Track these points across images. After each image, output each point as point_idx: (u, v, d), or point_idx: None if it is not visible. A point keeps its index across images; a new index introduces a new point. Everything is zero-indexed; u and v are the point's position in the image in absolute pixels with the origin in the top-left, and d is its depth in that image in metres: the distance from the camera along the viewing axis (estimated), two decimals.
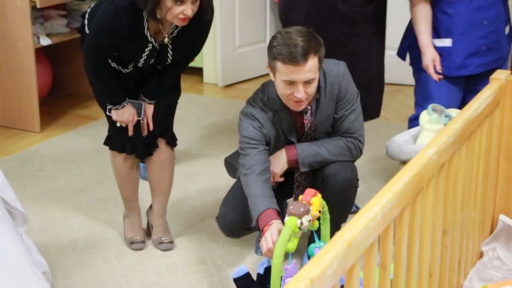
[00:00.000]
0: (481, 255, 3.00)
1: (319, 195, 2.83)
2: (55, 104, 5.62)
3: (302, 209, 2.73)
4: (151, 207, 3.80)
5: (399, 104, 5.63)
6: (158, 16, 3.17)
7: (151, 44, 3.32)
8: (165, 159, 3.66)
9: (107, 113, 3.49)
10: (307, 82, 3.03)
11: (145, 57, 3.35)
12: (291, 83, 3.02)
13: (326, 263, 1.65)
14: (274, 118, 3.22)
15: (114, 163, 3.68)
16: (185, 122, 5.12)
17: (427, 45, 3.81)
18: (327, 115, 3.26)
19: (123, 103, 3.44)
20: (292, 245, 2.72)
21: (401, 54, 4.11)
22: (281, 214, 3.42)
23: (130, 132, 3.51)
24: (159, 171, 3.67)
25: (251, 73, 6.32)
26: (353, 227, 1.81)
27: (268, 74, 5.72)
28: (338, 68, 3.24)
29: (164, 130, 3.61)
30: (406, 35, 4.06)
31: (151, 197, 3.76)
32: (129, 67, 3.43)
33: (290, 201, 3.32)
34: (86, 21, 3.45)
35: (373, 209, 1.90)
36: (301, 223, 2.72)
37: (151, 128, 3.55)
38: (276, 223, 2.91)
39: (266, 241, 2.83)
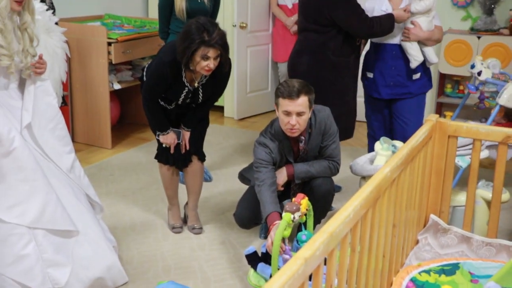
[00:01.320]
0: (417, 242, 2.95)
1: (306, 198, 2.80)
2: (122, 129, 5.57)
3: (294, 208, 2.70)
4: (187, 203, 3.76)
5: (360, 135, 5.56)
6: (191, 67, 3.14)
7: (187, 88, 3.28)
8: (197, 169, 3.62)
9: (157, 137, 3.46)
10: (299, 114, 3.00)
11: (183, 97, 3.31)
12: (288, 113, 3.00)
13: (315, 247, 1.63)
14: (279, 146, 3.20)
15: (161, 172, 3.64)
16: (211, 144, 5.06)
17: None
18: (315, 144, 3.23)
19: (168, 130, 3.41)
20: (287, 232, 2.70)
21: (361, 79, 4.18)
22: (282, 213, 3.41)
23: (172, 151, 3.48)
24: (192, 178, 3.63)
25: (257, 111, 6.27)
26: (334, 222, 1.79)
27: (269, 112, 5.71)
28: (324, 111, 3.23)
29: (196, 149, 3.57)
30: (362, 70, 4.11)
31: (187, 196, 3.71)
32: (172, 104, 3.39)
33: (285, 202, 3.29)
34: (144, 72, 3.43)
35: (347, 210, 1.88)
36: (294, 218, 2.69)
37: (187, 148, 3.51)
38: (278, 223, 2.87)
39: (271, 238, 2.80)
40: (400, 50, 3.88)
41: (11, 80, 2.68)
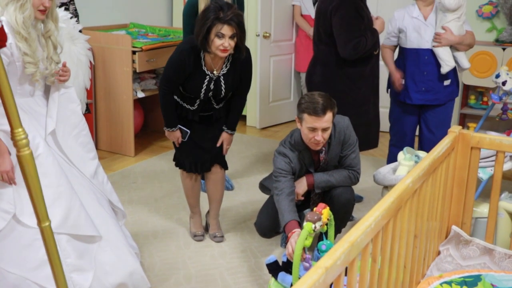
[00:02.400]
0: (438, 253, 2.94)
1: (328, 208, 2.80)
2: (145, 137, 5.63)
3: (315, 217, 2.69)
4: (208, 211, 3.78)
5: (381, 145, 5.53)
6: (208, 49, 3.14)
7: (208, 76, 3.27)
8: (219, 178, 3.63)
9: (165, 131, 3.45)
10: (324, 129, 3.03)
11: (205, 87, 3.29)
12: (313, 129, 3.02)
13: (336, 256, 1.65)
14: (299, 156, 3.21)
15: (182, 180, 3.66)
16: (233, 153, 5.10)
17: (393, 70, 4.05)
18: (335, 154, 3.25)
19: (174, 128, 3.41)
20: (308, 242, 2.68)
21: (386, 89, 4.19)
22: (301, 222, 3.42)
23: (176, 145, 3.49)
24: (214, 186, 3.64)
25: (279, 120, 6.29)
26: (355, 231, 1.81)
27: (291, 121, 5.72)
28: (344, 121, 3.24)
29: (220, 159, 3.59)
30: (389, 79, 4.12)
31: (209, 204, 3.74)
32: (195, 104, 3.37)
33: (306, 211, 3.30)
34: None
35: (369, 219, 1.89)
36: (315, 227, 2.68)
37: (225, 152, 3.54)
38: (297, 231, 2.89)
39: (291, 245, 2.81)
40: (432, 55, 3.91)
41: (36, 87, 2.74)
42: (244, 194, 4.39)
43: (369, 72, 3.87)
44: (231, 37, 3.11)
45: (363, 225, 1.85)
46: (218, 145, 3.52)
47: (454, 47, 3.91)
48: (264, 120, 6.13)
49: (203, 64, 3.26)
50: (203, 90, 3.31)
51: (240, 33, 3.13)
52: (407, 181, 2.23)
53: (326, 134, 3.07)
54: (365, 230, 1.83)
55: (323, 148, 3.21)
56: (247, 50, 3.33)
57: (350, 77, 3.80)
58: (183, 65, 3.23)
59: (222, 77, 3.32)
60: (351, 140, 3.25)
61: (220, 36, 3.09)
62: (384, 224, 2.04)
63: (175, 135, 3.45)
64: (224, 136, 3.52)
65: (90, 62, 4.32)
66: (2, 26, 1.95)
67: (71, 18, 3.98)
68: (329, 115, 3.01)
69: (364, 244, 1.86)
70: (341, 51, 3.69)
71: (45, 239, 2.12)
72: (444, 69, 3.87)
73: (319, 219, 2.71)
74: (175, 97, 3.39)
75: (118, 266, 2.85)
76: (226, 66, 3.31)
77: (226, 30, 3.07)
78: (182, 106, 3.41)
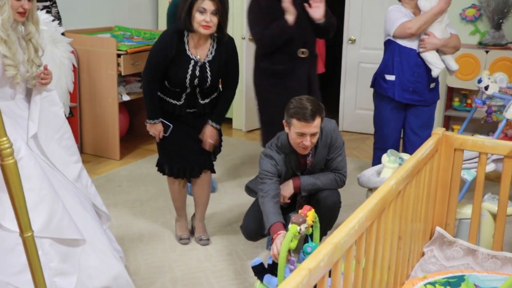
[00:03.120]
0: (422, 254, 2.96)
1: (313, 210, 2.81)
2: (130, 141, 5.62)
3: (300, 219, 2.71)
4: (194, 214, 3.78)
5: (367, 147, 5.61)
6: (191, 28, 3.17)
7: (192, 60, 3.26)
8: (205, 181, 3.63)
9: (146, 124, 3.41)
10: (312, 134, 3.04)
11: (190, 73, 3.27)
12: (302, 134, 3.02)
13: (319, 258, 1.66)
14: (285, 158, 3.22)
15: (170, 184, 3.65)
16: (219, 156, 4.97)
17: None
18: (322, 157, 3.25)
19: (156, 120, 3.37)
20: (293, 244, 2.70)
21: (372, 83, 4.22)
22: (286, 224, 3.43)
23: (157, 139, 3.45)
24: (200, 189, 3.64)
25: None
26: (338, 233, 1.82)
27: None
28: (330, 124, 3.25)
29: (208, 163, 3.59)
30: (377, 71, 4.16)
31: (194, 207, 3.74)
32: (181, 99, 3.35)
33: (292, 214, 3.31)
34: None
35: (352, 221, 1.91)
36: (300, 229, 2.70)
37: (206, 147, 3.48)
38: (282, 233, 2.90)
39: (276, 246, 2.82)
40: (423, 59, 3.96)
41: (17, 90, 2.72)
42: (230, 197, 4.40)
43: (285, 72, 3.82)
44: (213, 13, 3.14)
45: (347, 227, 1.86)
46: (200, 137, 3.47)
47: (440, 51, 3.95)
48: (250, 122, 6.14)
49: (187, 49, 3.27)
50: (188, 76, 3.28)
51: (222, 10, 3.16)
52: (391, 182, 2.25)
53: (315, 139, 3.09)
54: (348, 232, 1.84)
55: (310, 151, 3.22)
56: (231, 39, 3.35)
57: (264, 72, 3.85)
58: (165, 49, 3.23)
59: (207, 63, 3.31)
60: (337, 143, 3.26)
61: (202, 11, 3.12)
62: (368, 225, 2.06)
63: (156, 127, 3.40)
64: (208, 129, 3.46)
65: (74, 65, 4.31)
66: None
67: (53, 20, 3.96)
68: (317, 121, 3.02)
69: (348, 246, 1.87)
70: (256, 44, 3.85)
71: (27, 248, 2.12)
72: (435, 72, 3.91)
73: (304, 221, 2.73)
74: (160, 94, 3.37)
75: (102, 270, 2.83)
76: (211, 53, 3.31)
77: (208, 5, 3.12)
78: (169, 102, 3.38)
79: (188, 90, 3.34)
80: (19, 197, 2.03)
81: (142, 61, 4.96)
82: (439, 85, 4.17)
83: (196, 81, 3.31)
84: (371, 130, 5.33)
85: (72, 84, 4.21)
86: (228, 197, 4.41)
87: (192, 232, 3.78)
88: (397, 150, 4.21)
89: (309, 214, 2.78)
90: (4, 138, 1.96)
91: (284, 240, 2.69)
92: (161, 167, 3.58)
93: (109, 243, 2.95)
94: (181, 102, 3.38)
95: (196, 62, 3.28)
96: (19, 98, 2.75)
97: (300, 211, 2.79)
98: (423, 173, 2.73)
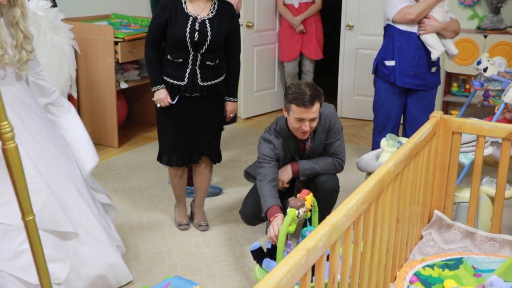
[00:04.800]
0: (421, 237, 2.98)
1: (311, 194, 2.82)
2: (129, 129, 5.61)
3: (299, 203, 2.73)
4: (193, 200, 3.79)
5: (366, 134, 5.61)
6: None
7: (191, 17, 3.26)
8: (207, 170, 3.64)
9: (153, 92, 3.37)
10: (311, 120, 3.04)
11: (189, 28, 3.25)
12: (301, 120, 3.03)
13: (318, 238, 1.67)
14: (284, 143, 3.23)
15: (170, 171, 3.65)
16: None
17: None
18: (320, 141, 3.26)
19: (159, 86, 3.34)
20: (292, 228, 2.72)
21: (373, 69, 4.22)
22: (284, 208, 3.43)
23: (167, 103, 3.36)
24: (201, 176, 3.65)
25: (263, 110, 6.31)
26: (336, 214, 1.83)
27: (275, 111, 5.69)
28: (329, 109, 3.25)
29: (209, 150, 3.56)
30: (377, 58, 4.15)
31: (194, 193, 3.75)
32: (185, 78, 3.31)
33: (289, 200, 3.32)
34: None
35: (350, 202, 1.92)
36: (298, 213, 2.72)
37: (230, 119, 3.60)
38: (280, 216, 2.92)
39: (273, 228, 2.84)
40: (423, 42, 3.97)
41: (7, 72, 2.63)
42: (229, 184, 4.40)
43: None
44: None
45: (345, 207, 1.87)
46: (227, 117, 3.56)
47: (440, 34, 3.95)
48: (248, 110, 6.14)
49: (185, 7, 3.28)
50: (187, 30, 3.24)
51: None
52: (389, 165, 2.25)
53: (314, 124, 3.09)
54: (346, 213, 1.85)
55: (309, 136, 3.23)
56: (231, 5, 3.37)
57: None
58: (162, 10, 3.27)
59: (207, 20, 3.29)
60: (336, 127, 3.27)
61: None
62: (365, 207, 2.06)
63: (160, 94, 3.35)
64: (228, 105, 3.51)
65: (76, 51, 4.27)
66: None
67: (51, 7, 3.93)
68: (316, 106, 3.02)
69: (345, 227, 1.88)
70: None
71: (29, 232, 2.13)
72: (434, 55, 3.93)
73: (303, 205, 2.75)
74: (165, 77, 3.35)
75: (98, 258, 2.84)
76: (212, 12, 3.32)
77: None
78: (172, 84, 3.35)
79: (191, 54, 3.28)
80: (20, 181, 2.04)
81: (140, 49, 4.97)
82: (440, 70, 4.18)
83: (196, 36, 3.26)
84: (370, 116, 5.34)
85: (75, 71, 4.19)
86: (227, 183, 4.41)
87: (191, 218, 3.79)
88: (397, 135, 4.21)
89: (308, 198, 2.79)
90: (5, 122, 1.96)
91: (283, 224, 2.70)
92: (160, 157, 3.58)
93: (105, 232, 2.95)
94: (184, 82, 3.34)
95: (195, 19, 3.27)
96: (19, 86, 2.72)
97: (298, 195, 2.80)
98: (421, 156, 2.74)
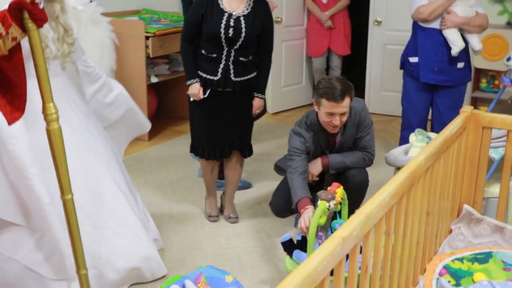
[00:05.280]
0: (450, 231, 3.00)
1: (341, 187, 2.87)
2: (159, 122, 5.65)
3: (329, 196, 2.77)
4: (224, 193, 3.86)
5: (393, 129, 5.63)
6: None
7: (226, 13, 3.32)
8: (238, 162, 3.70)
9: (188, 85, 3.44)
10: (342, 114, 3.10)
11: (224, 24, 3.31)
12: (331, 114, 3.09)
13: (352, 227, 1.72)
14: (315, 136, 3.28)
15: (201, 162, 3.72)
16: None
17: None
18: (350, 135, 3.31)
19: (193, 80, 3.41)
20: (323, 220, 2.77)
21: (400, 65, 4.24)
22: (314, 201, 3.48)
23: (201, 96, 3.43)
24: (232, 169, 3.72)
25: (291, 105, 6.35)
26: (370, 204, 1.88)
27: (303, 106, 5.71)
28: (360, 103, 3.30)
29: (240, 144, 3.61)
30: (403, 54, 4.17)
31: (225, 186, 3.81)
32: (218, 73, 3.38)
33: (320, 192, 3.36)
34: None
35: (383, 194, 1.96)
36: (329, 206, 2.76)
37: (254, 115, 3.61)
38: (310, 208, 2.97)
39: (304, 220, 2.90)
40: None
41: (50, 65, 2.66)
42: (259, 177, 4.46)
43: None
44: None
45: (378, 198, 1.92)
46: (253, 113, 3.60)
47: (465, 29, 3.95)
48: (276, 104, 6.19)
49: (221, 3, 3.35)
50: (222, 26, 3.30)
51: None
52: (420, 158, 2.29)
53: (344, 118, 3.14)
54: (379, 204, 1.90)
55: (339, 130, 3.27)
56: (267, 3, 3.45)
57: None
58: (199, 6, 3.33)
59: (242, 17, 3.35)
60: (366, 122, 3.31)
61: None
62: (397, 199, 2.11)
63: (194, 87, 3.42)
64: (255, 101, 3.56)
65: (116, 44, 4.33)
66: (43, 7, 2.03)
67: (90, 1, 4.01)
68: (347, 101, 3.07)
69: (378, 217, 1.93)
70: None
71: (67, 211, 2.22)
72: (454, 50, 3.93)
73: (333, 198, 2.79)
74: (199, 72, 3.41)
75: (132, 250, 2.89)
76: (247, 9, 3.38)
77: None
78: (205, 79, 3.41)
79: (225, 49, 3.34)
80: (61, 162, 2.15)
81: (170, 44, 5.06)
82: (471, 66, 4.16)
83: (230, 32, 3.32)
84: (398, 112, 5.35)
85: (115, 63, 4.27)
86: (256, 177, 4.47)
87: (221, 210, 3.86)
88: (425, 130, 4.23)
89: (338, 191, 2.83)
90: (51, 104, 2.05)
91: (314, 216, 2.75)
92: (194, 148, 3.65)
93: (141, 224, 3.00)
94: (217, 77, 3.40)
95: (230, 15, 3.34)
96: (61, 78, 2.80)
97: (329, 188, 2.85)
98: (451, 151, 2.76)
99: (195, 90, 3.43)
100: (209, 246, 3.45)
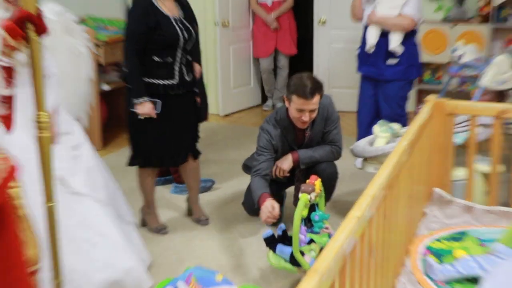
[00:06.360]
0: (423, 214, 3.13)
1: (320, 179, 2.97)
2: (111, 131, 5.61)
3: (310, 188, 2.85)
4: (188, 197, 3.85)
5: (344, 124, 5.63)
6: None
7: (172, 18, 3.31)
8: (194, 167, 3.71)
9: (132, 108, 3.30)
10: (311, 110, 3.22)
11: (178, 28, 3.32)
12: (301, 110, 3.20)
13: (363, 207, 1.84)
14: (283, 132, 3.38)
15: (144, 178, 3.63)
16: (200, 140, 5.05)
17: None
18: (319, 130, 3.43)
19: (145, 98, 3.28)
20: (305, 212, 2.84)
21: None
22: (283, 197, 3.59)
23: (154, 115, 3.32)
24: (191, 175, 3.72)
25: (241, 106, 6.47)
26: (372, 187, 1.99)
27: (253, 107, 5.76)
28: (326, 99, 3.43)
29: (193, 146, 3.65)
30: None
31: (188, 191, 3.80)
32: (175, 76, 3.36)
33: (301, 186, 3.44)
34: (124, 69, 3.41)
35: (384, 172, 2.09)
36: (310, 198, 2.86)
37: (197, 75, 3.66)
38: (269, 199, 3.09)
39: (266, 208, 3.04)
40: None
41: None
42: (220, 179, 4.49)
43: None
44: None
45: (379, 179, 2.03)
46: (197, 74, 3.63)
47: (384, 27, 4.17)
48: (227, 106, 6.27)
49: (162, 10, 3.32)
50: (178, 30, 3.31)
51: None
52: (403, 143, 2.42)
53: (313, 114, 3.27)
54: (381, 184, 2.01)
55: (308, 125, 3.39)
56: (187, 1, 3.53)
57: None
58: (144, 12, 3.25)
59: (183, 19, 3.40)
60: (333, 117, 3.45)
61: None
62: (392, 183, 2.21)
63: (147, 106, 3.29)
64: (197, 67, 3.65)
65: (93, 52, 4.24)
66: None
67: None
68: (316, 98, 3.20)
69: (380, 197, 2.03)
70: None
71: (50, 218, 2.26)
72: (366, 47, 4.21)
73: (314, 190, 2.89)
74: (148, 78, 3.33)
75: (111, 262, 2.80)
76: (181, 12, 3.42)
77: None
78: (157, 85, 3.34)
79: (178, 52, 3.34)
80: (47, 168, 2.18)
81: (120, 50, 5.02)
82: (415, 63, 4.30)
83: (186, 34, 3.36)
84: (346, 107, 5.62)
85: (92, 72, 4.18)
86: (218, 178, 4.50)
87: (189, 214, 3.88)
88: (369, 125, 4.43)
89: (317, 183, 2.93)
90: (44, 112, 2.07)
91: (297, 209, 2.83)
92: (136, 159, 3.54)
93: (122, 237, 2.92)
94: (175, 80, 3.37)
95: (175, 19, 3.36)
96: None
97: (308, 181, 2.93)
98: (423, 138, 2.90)
99: (148, 110, 3.30)
100: (186, 251, 3.45)
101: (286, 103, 3.29)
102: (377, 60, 4.21)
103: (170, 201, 4.15)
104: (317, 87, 3.19)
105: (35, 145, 2.19)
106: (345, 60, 5.95)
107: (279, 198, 3.76)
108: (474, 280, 2.43)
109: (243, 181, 3.96)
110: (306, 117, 3.22)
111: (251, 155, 3.67)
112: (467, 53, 4.50)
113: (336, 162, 3.56)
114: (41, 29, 2.04)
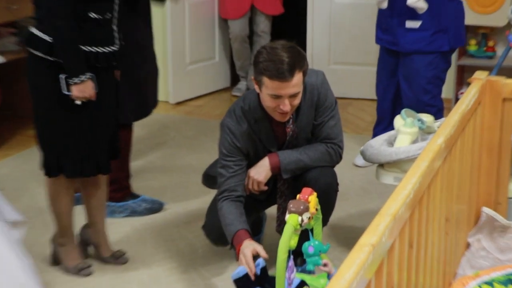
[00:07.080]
0: (467, 245, 3.16)
1: (315, 193, 2.93)
2: (5, 124, 5.63)
3: (302, 207, 2.80)
4: (86, 225, 3.81)
5: (351, 117, 5.85)
6: None
7: None
8: (105, 178, 3.71)
9: (65, 91, 3.30)
10: (292, 96, 3.16)
11: None
12: (278, 97, 3.14)
13: (381, 231, 1.84)
14: (252, 129, 3.35)
15: (61, 196, 3.62)
16: (141, 140, 5.13)
17: None
18: (307, 122, 3.39)
19: (88, 75, 3.31)
20: (294, 242, 2.80)
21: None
22: (262, 224, 3.60)
23: (93, 97, 3.36)
24: (101, 189, 3.71)
25: (202, 90, 6.49)
26: (393, 202, 2.00)
27: (219, 90, 5.84)
28: (317, 76, 3.38)
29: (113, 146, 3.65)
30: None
31: (89, 217, 3.76)
32: (108, 13, 3.38)
33: (267, 212, 3.45)
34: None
35: (406, 187, 2.10)
36: (302, 220, 2.83)
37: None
38: (247, 240, 3.09)
39: (245, 257, 3.02)
40: None
41: None
42: (168, 195, 4.51)
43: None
44: None
45: (401, 194, 2.05)
46: None
47: None
48: (180, 91, 6.29)
49: None
50: None
51: None
52: (439, 141, 2.44)
53: (296, 100, 3.21)
54: (405, 201, 2.03)
55: (291, 116, 3.34)
56: None
57: None
58: None
59: None
60: (328, 101, 3.40)
61: None
62: (419, 198, 2.24)
63: (88, 86, 3.33)
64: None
65: None
66: None
67: None
68: (298, 77, 3.14)
69: (406, 217, 2.06)
70: None
71: None
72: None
73: (306, 209, 2.85)
74: (89, 47, 3.35)
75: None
76: None
77: None
78: (104, 54, 3.40)
79: (117, 3, 3.41)
80: None
81: (21, 4, 5.01)
82: (452, 28, 4.36)
83: None
84: (353, 93, 5.64)
85: None
86: (167, 195, 4.51)
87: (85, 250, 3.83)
88: (392, 110, 4.47)
89: (311, 200, 2.86)
90: None
91: (282, 238, 2.79)
92: (57, 166, 3.52)
93: (12, 250, 2.98)
94: (116, 46, 3.45)
95: None
96: None
97: (298, 195, 2.89)
98: (467, 134, 2.93)
99: (90, 90, 3.34)
100: None
101: (256, 88, 3.26)
102: (391, 21, 4.23)
103: None
104: (297, 60, 3.14)
105: None
106: (355, 22, 6.00)
107: (256, 222, 3.76)
108: None
109: (203, 197, 3.96)
110: (285, 106, 3.17)
111: (215, 161, 3.64)
112: None
113: (336, 169, 3.54)
114: None
